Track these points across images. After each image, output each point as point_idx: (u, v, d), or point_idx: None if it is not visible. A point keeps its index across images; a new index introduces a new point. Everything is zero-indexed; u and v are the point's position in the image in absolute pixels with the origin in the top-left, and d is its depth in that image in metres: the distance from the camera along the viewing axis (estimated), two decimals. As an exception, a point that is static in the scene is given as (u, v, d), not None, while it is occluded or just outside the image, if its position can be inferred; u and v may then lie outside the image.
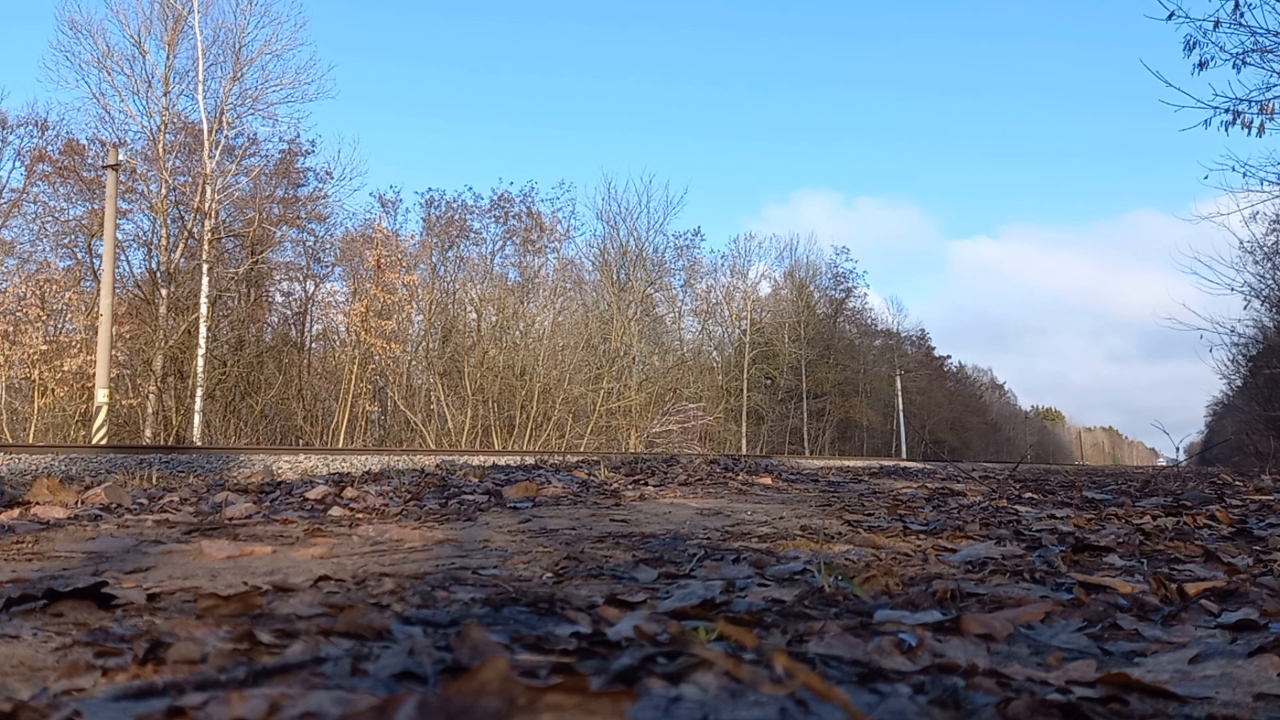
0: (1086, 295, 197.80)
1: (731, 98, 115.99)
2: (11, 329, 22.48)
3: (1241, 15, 11.73)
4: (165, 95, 26.42)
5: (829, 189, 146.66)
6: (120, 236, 24.09)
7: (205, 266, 25.34)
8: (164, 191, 25.77)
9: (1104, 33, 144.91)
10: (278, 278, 30.46)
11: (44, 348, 22.49)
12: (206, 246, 25.56)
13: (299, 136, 29.36)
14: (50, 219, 27.22)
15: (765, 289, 50.57)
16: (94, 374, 20.79)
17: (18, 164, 26.80)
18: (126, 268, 27.02)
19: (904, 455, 52.09)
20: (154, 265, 26.80)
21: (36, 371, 22.38)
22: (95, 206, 25.61)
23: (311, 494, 4.44)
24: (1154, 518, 3.92)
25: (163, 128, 26.12)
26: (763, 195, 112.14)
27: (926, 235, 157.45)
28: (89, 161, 26.49)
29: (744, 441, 43.81)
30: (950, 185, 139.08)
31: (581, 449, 27.71)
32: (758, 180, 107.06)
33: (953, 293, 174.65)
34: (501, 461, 13.36)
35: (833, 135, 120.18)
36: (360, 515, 3.69)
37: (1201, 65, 12.00)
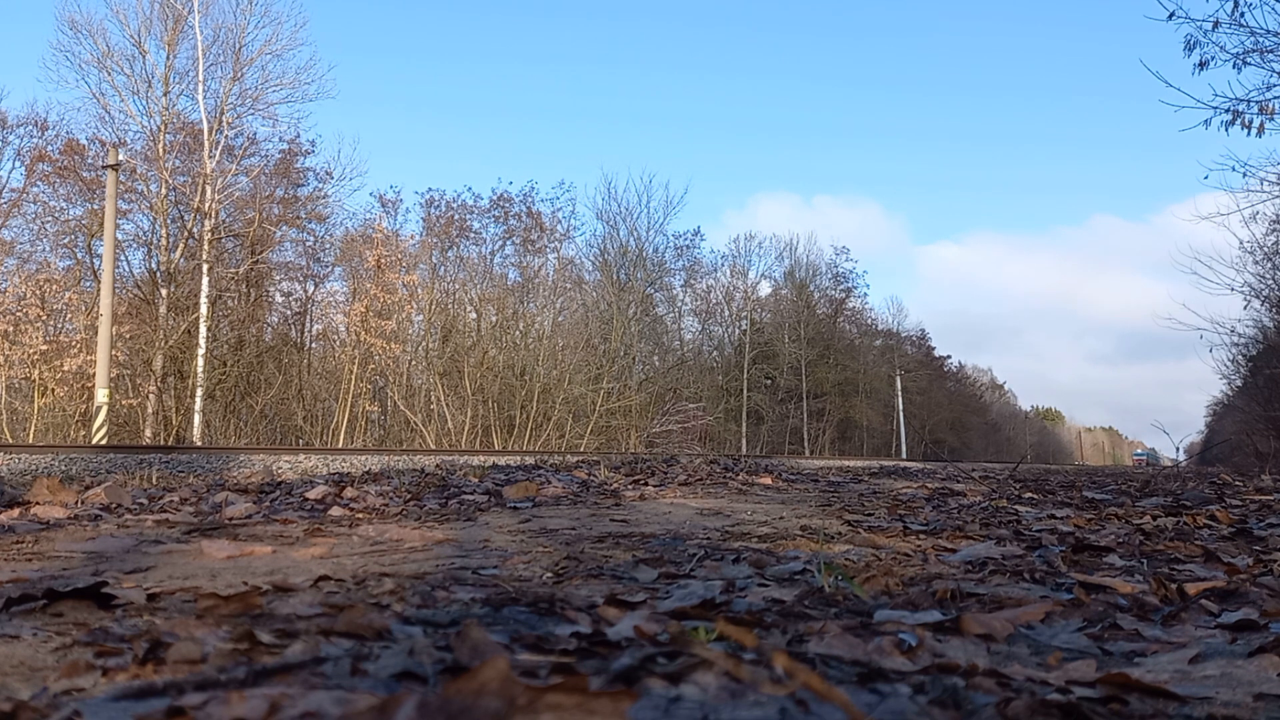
0: (1061, 298, 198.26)
1: (713, 95, 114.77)
2: (11, 329, 22.46)
3: (1241, 15, 11.75)
4: (165, 95, 26.44)
5: (785, 190, 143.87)
6: (120, 236, 24.10)
7: (205, 266, 25.33)
8: (164, 191, 25.77)
9: (1066, 30, 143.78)
10: (278, 278, 30.46)
11: (44, 348, 22.47)
12: (206, 246, 25.55)
13: (299, 136, 29.37)
14: (50, 219, 27.22)
15: (765, 289, 50.64)
16: (94, 374, 20.78)
17: (18, 164, 26.86)
18: (126, 268, 27.07)
19: (904, 455, 52.09)
20: (154, 265, 26.82)
21: (36, 371, 22.37)
22: (95, 206, 25.60)
23: (311, 494, 4.44)
24: (1154, 518, 3.92)
25: (163, 128, 26.12)
26: (721, 201, 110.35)
27: (894, 236, 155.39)
28: (89, 161, 26.49)
29: (744, 441, 43.80)
30: (909, 184, 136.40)
31: (581, 449, 27.69)
32: (716, 186, 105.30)
33: (927, 295, 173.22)
34: (501, 461, 13.36)
35: (784, 134, 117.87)
36: (360, 515, 3.69)
37: (1202, 65, 12.02)
